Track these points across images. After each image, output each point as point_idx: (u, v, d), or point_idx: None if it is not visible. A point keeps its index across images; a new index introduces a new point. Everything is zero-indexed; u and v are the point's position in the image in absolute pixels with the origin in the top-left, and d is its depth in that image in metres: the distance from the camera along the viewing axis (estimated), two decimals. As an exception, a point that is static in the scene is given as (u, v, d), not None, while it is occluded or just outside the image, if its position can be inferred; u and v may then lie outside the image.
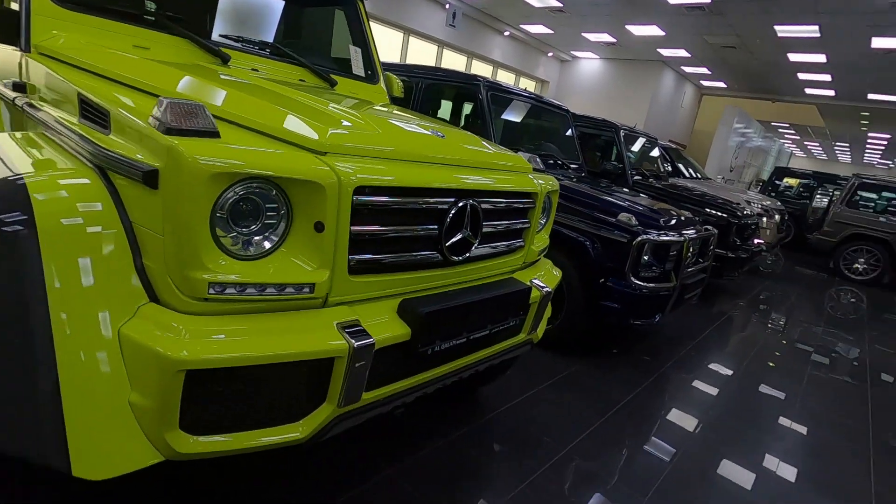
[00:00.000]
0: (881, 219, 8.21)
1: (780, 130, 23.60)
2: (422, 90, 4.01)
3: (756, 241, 7.27)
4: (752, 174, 15.00)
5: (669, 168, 7.94)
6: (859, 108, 12.99)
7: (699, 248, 3.66)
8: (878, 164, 29.03)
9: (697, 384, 3.16)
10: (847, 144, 24.76)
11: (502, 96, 3.91)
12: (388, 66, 4.25)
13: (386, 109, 1.72)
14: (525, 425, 2.31)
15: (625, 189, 4.41)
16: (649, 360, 3.37)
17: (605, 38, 11.14)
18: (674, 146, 8.74)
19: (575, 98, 13.29)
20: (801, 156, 34.12)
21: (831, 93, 12.08)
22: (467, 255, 1.34)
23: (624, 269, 2.88)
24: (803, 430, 2.82)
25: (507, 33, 11.85)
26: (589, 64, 13.44)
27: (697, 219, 4.68)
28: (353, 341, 0.98)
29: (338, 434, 1.07)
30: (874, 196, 8.89)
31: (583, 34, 11.21)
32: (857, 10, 7.13)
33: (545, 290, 1.59)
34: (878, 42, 8.06)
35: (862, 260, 8.41)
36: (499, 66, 12.49)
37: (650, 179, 5.88)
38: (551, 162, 4.01)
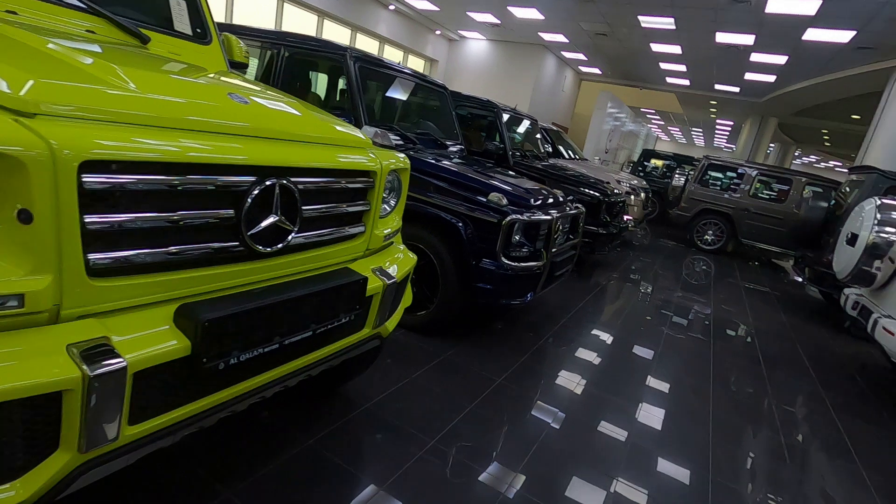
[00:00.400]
0: (725, 195, 9.40)
1: (648, 116, 26.13)
2: (283, 60, 3.64)
3: (626, 217, 7.94)
4: (625, 156, 16.39)
5: (550, 149, 8.31)
6: (708, 96, 14.74)
7: (569, 226, 3.81)
8: (725, 147, 33.47)
9: (573, 355, 3.29)
10: (701, 130, 28.17)
11: (373, 70, 3.68)
12: (245, 32, 3.79)
13: (182, 67, 1.42)
14: (395, 418, 2.19)
15: (506, 170, 4.45)
16: (531, 335, 3.44)
17: (490, 18, 11.28)
18: (555, 128, 9.17)
19: (464, 79, 13.37)
20: (665, 140, 38.22)
21: (686, 82, 13.54)
22: (282, 244, 1.14)
23: (495, 249, 2.87)
24: (664, 386, 3.07)
25: (392, 7, 11.49)
26: (477, 45, 13.58)
27: (570, 198, 4.92)
28: (89, 368, 0.74)
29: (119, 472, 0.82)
30: (720, 175, 10.13)
31: (468, 13, 11.23)
32: (703, 5, 7.93)
33: (390, 279, 1.44)
34: (721, 37, 9.09)
35: (711, 232, 9.60)
36: (385, 41, 12.11)
37: (531, 160, 6.05)
38: (428, 141, 3.90)
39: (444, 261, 2.95)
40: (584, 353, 3.40)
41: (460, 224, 2.92)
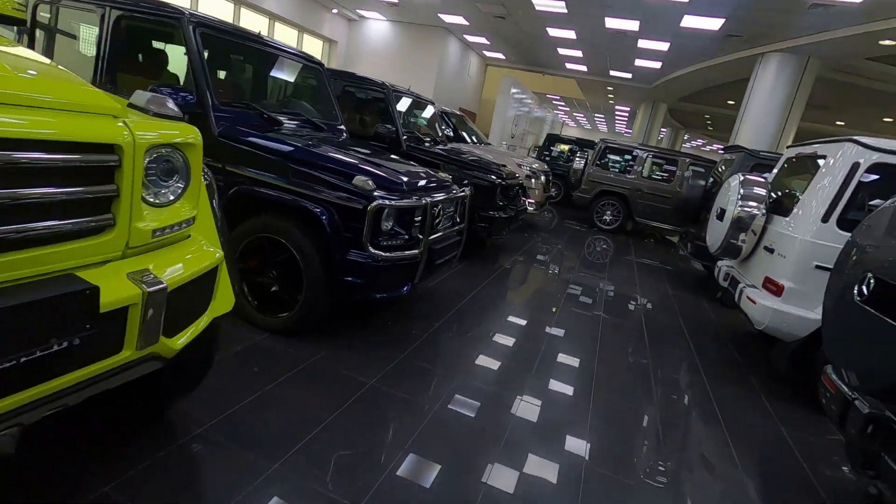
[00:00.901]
0: (620, 177, 9.87)
1: (555, 102, 27.13)
2: (110, 24, 3.06)
3: (529, 200, 8.05)
4: (532, 141, 16.82)
5: (451, 134, 8.18)
6: (605, 82, 15.50)
7: (454, 211, 3.64)
8: (625, 132, 35.77)
9: (459, 346, 3.14)
10: (603, 116, 29.80)
11: (222, 38, 3.23)
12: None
13: None
14: (233, 440, 1.87)
15: (392, 154, 4.19)
16: (414, 329, 3.23)
17: (388, -3, 10.90)
18: (458, 113, 9.05)
19: (366, 61, 12.87)
20: (572, 125, 40.09)
21: (584, 68, 14.10)
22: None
23: (362, 238, 2.60)
24: (551, 366, 3.01)
25: (281, -19, 10.70)
26: (377, 25, 13.11)
27: (465, 182, 4.77)
28: None
29: None
30: (617, 158, 10.64)
31: (364, -9, 10.77)
32: (592, -10, 8.16)
33: (156, 285, 1.12)
34: (610, 22, 9.46)
35: (609, 213, 10.06)
36: (276, 18, 11.27)
37: (428, 144, 5.84)
38: (302, 122, 3.52)
39: (307, 254, 2.64)
40: (473, 343, 3.26)
41: (322, 212, 2.61)
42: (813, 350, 3.21)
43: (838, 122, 14.25)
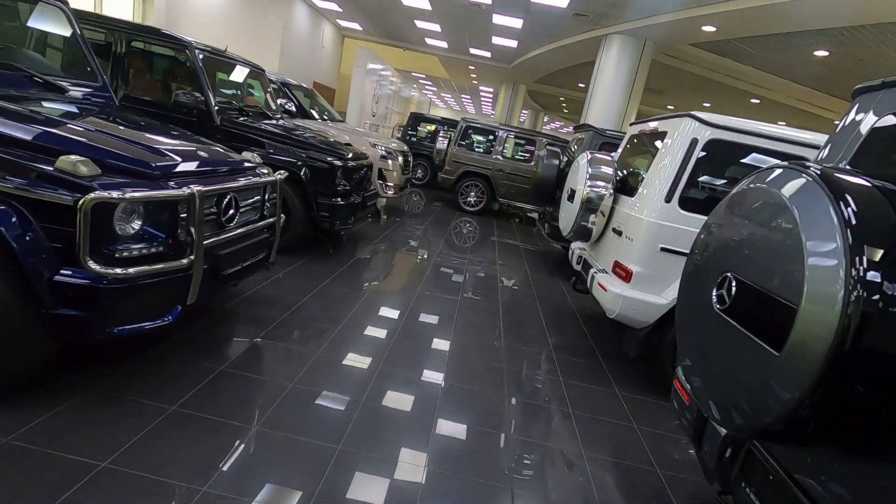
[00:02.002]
0: (483, 157, 9.72)
1: (421, 82, 26.76)
2: None
3: (388, 184, 7.44)
4: (397, 121, 16.20)
5: (293, 108, 7.19)
6: (466, 61, 15.40)
7: (263, 201, 2.86)
8: (491, 113, 36.93)
9: (266, 390, 2.41)
10: (469, 97, 30.25)
11: None
12: None
13: None
14: None
15: (193, 131, 3.22)
16: (207, 363, 2.42)
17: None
18: (305, 86, 8.03)
19: (192, 23, 10.99)
20: (442, 106, 40.32)
21: (444, 44, 13.77)
22: None
23: (76, 250, 1.74)
24: (396, 366, 2.45)
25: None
26: (207, -19, 11.25)
27: (299, 164, 3.95)
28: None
29: None
30: (480, 138, 10.50)
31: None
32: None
33: None
34: (464, -5, 9.12)
35: (473, 194, 9.90)
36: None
37: (255, 118, 4.87)
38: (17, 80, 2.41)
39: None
40: (287, 385, 2.56)
41: (6, 215, 1.69)
42: (662, 335, 3.10)
43: (669, 106, 15.93)
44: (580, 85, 15.33)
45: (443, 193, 11.46)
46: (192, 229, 2.07)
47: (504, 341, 3.57)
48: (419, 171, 12.95)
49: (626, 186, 3.65)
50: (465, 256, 5.95)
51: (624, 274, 3.15)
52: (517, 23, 9.76)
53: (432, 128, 13.41)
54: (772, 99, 10.80)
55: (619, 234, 3.37)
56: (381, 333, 3.28)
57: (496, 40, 11.77)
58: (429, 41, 13.75)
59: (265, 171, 2.96)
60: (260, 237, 2.75)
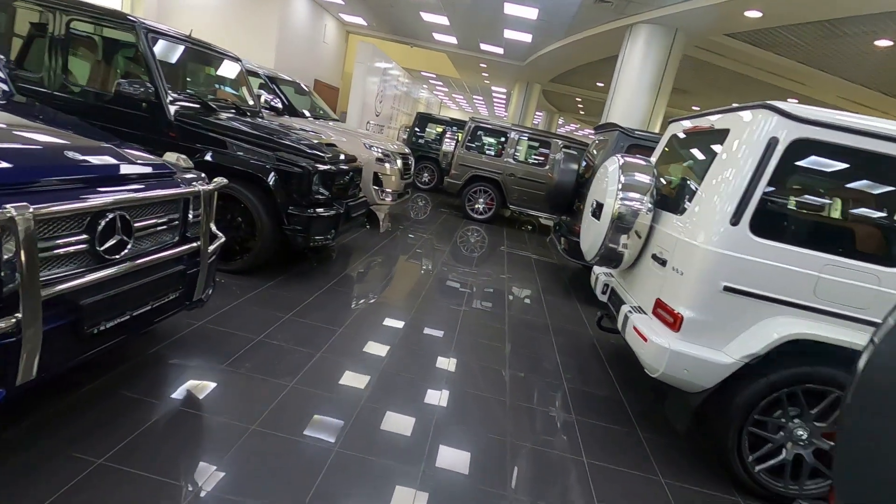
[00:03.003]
0: (493, 160, 8.97)
1: (432, 82, 26.09)
2: None
3: (386, 190, 6.71)
4: (404, 122, 15.52)
5: (280, 105, 6.51)
6: (477, 58, 14.65)
7: (181, 221, 2.14)
8: (504, 116, 36.15)
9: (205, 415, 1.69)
10: (482, 98, 29.52)
11: None
12: None
13: None
14: None
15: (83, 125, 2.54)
16: (76, 454, 1.70)
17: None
18: (296, 81, 7.36)
19: (186, 16, 10.42)
20: (453, 108, 39.65)
21: (454, 40, 13.05)
22: None
23: None
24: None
25: None
26: (201, -28, 10.68)
27: (266, 170, 3.24)
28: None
29: None
30: (490, 140, 9.75)
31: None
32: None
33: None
34: (474, -17, 8.40)
35: (481, 200, 9.15)
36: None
37: (224, 113, 4.20)
38: None
39: None
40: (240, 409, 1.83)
41: None
42: (725, 405, 2.31)
43: (694, 107, 15.01)
44: (598, 84, 14.51)
45: (450, 199, 10.73)
46: (20, 272, 1.34)
47: (510, 397, 2.80)
48: (425, 174, 12.24)
49: (670, 201, 2.87)
50: (470, 273, 5.19)
51: (671, 319, 2.36)
52: (532, 13, 9.00)
53: (441, 129, 12.70)
54: (813, 98, 9.89)
55: (662, 263, 2.59)
56: (353, 392, 2.54)
57: (509, 34, 11.01)
58: (437, 36, 13.04)
59: (192, 177, 2.24)
60: (172, 270, 2.02)
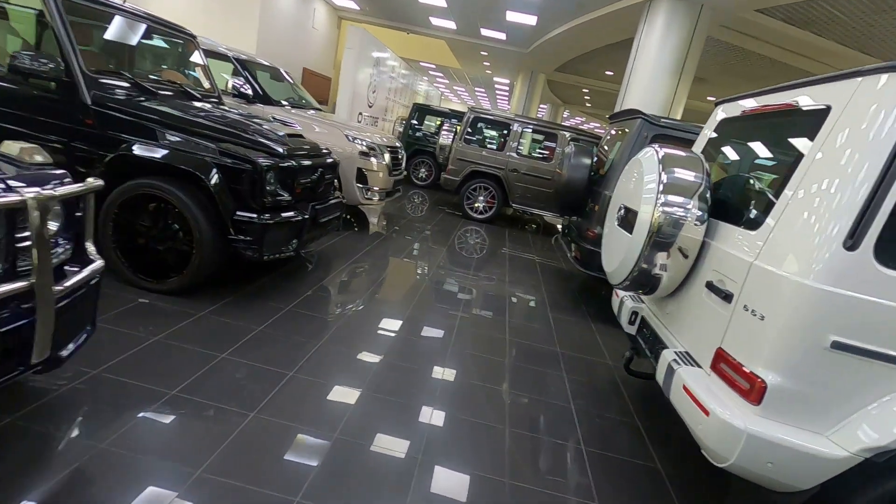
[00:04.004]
0: (495, 155, 8.21)
1: (432, 73, 25.28)
2: None
3: (369, 187, 5.96)
4: (401, 114, 14.75)
5: (249, 91, 5.78)
6: (478, 45, 13.85)
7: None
8: (506, 108, 35.29)
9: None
10: (484, 90, 28.70)
11: None
12: None
13: None
14: None
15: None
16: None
17: None
18: (273, 66, 6.61)
19: (163, 1, 9.66)
20: (454, 100, 38.77)
21: (452, 24, 12.25)
22: None
23: None
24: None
25: None
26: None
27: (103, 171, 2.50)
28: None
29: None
30: (490, 132, 9.00)
31: None
32: None
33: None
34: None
35: (482, 198, 8.40)
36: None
37: (156, 97, 3.47)
38: None
39: None
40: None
41: None
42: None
43: (710, 98, 14.19)
44: (608, 73, 13.70)
45: (449, 197, 9.98)
46: None
47: (510, 474, 2.07)
48: (422, 170, 11.48)
49: (730, 208, 2.12)
50: (466, 286, 4.45)
51: (746, 385, 1.63)
52: (536, -8, 8.22)
53: (439, 121, 11.93)
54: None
55: (724, 296, 1.85)
56: (295, 479, 1.81)
57: (512, 16, 10.21)
58: (434, 21, 12.25)
59: (25, 182, 1.49)
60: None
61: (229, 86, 5.58)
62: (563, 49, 11.87)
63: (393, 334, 3.22)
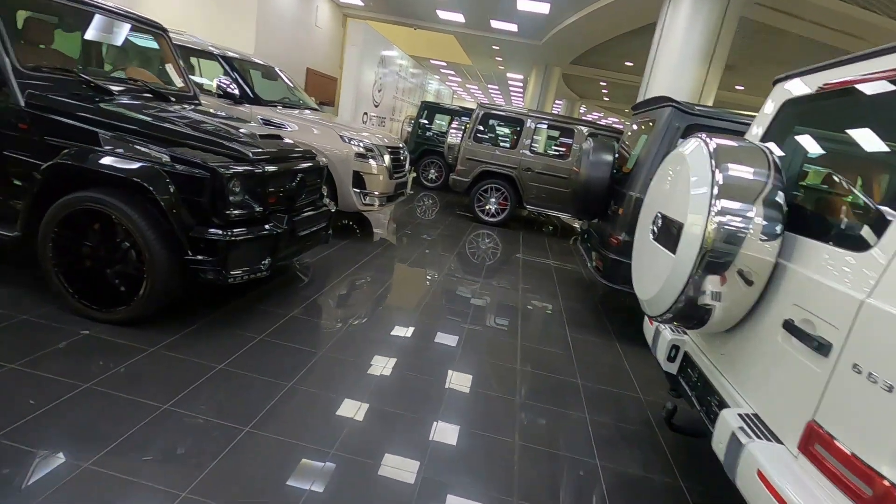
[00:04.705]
0: (507, 153, 7.69)
1: (443, 72, 24.81)
2: None
3: (367, 192, 5.48)
4: (410, 113, 14.29)
5: (235, 91, 5.35)
6: (489, 38, 13.33)
7: None
8: (520, 105, 34.58)
9: None
10: (497, 87, 28.12)
11: None
12: None
13: None
14: None
15: None
16: None
17: None
18: (266, 64, 6.20)
19: (157, 1, 9.36)
20: (468, 99, 38.23)
21: (461, 17, 11.75)
22: None
23: None
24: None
25: None
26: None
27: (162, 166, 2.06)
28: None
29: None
30: (502, 129, 8.50)
31: None
32: None
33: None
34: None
35: (493, 200, 7.87)
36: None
37: (111, 97, 3.06)
38: None
39: None
40: None
41: None
42: None
43: (738, 87, 13.40)
44: (627, 64, 13.04)
45: (461, 199, 9.48)
46: None
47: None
48: (432, 171, 11.01)
49: (812, 220, 1.58)
50: (473, 295, 3.94)
51: (866, 490, 1.08)
52: (549, -24, 7.66)
53: (449, 120, 11.43)
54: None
55: (817, 346, 1.31)
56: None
57: (523, 5, 9.66)
58: (441, 14, 11.75)
59: None
60: None
61: (215, 85, 5.18)
62: (578, 39, 11.27)
63: (378, 374, 2.73)
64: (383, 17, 12.89)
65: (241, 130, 3.19)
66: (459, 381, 2.75)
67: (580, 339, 3.68)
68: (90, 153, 2.57)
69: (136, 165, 2.53)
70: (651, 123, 4.10)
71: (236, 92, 5.25)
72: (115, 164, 2.53)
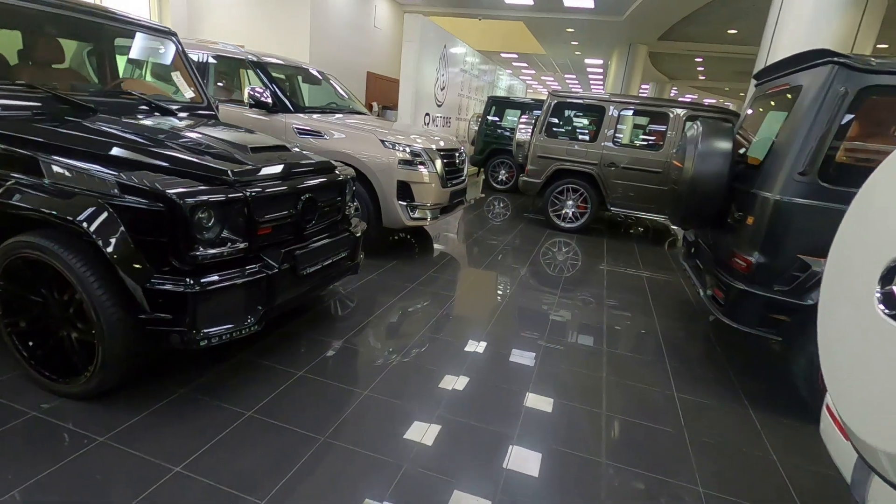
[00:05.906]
0: (586, 148, 6.63)
1: (515, 65, 23.73)
2: None
3: (415, 204, 4.72)
4: (478, 110, 13.49)
5: (268, 99, 4.84)
6: (562, 20, 12.14)
7: None
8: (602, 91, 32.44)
9: None
10: (575, 76, 26.50)
11: None
12: None
13: None
14: None
15: None
16: None
17: None
18: (305, 67, 5.71)
19: (216, 18, 9.37)
20: (544, 92, 36.66)
21: (529, 0, 10.72)
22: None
23: None
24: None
25: None
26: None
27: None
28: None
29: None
30: (580, 121, 7.44)
31: None
32: None
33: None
34: None
35: (570, 203, 6.83)
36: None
37: (102, 115, 2.58)
38: None
39: None
40: None
41: None
42: None
43: (880, 45, 11.05)
44: (731, 32, 11.27)
45: (535, 200, 8.52)
46: None
47: None
48: (502, 171, 10.11)
49: None
50: (540, 332, 3.03)
51: None
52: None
53: (520, 114, 10.46)
54: None
55: None
56: None
57: (599, -25, 8.48)
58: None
59: None
60: None
61: (246, 95, 4.71)
62: (668, 7, 9.80)
63: (399, 465, 1.94)
64: (445, 10, 12.20)
65: (231, 143, 2.55)
66: (518, 481, 1.88)
67: (691, 402, 2.65)
68: (19, 185, 2.03)
69: (67, 201, 1.94)
70: (788, 96, 2.95)
71: (269, 101, 4.74)
72: (42, 200, 1.97)
